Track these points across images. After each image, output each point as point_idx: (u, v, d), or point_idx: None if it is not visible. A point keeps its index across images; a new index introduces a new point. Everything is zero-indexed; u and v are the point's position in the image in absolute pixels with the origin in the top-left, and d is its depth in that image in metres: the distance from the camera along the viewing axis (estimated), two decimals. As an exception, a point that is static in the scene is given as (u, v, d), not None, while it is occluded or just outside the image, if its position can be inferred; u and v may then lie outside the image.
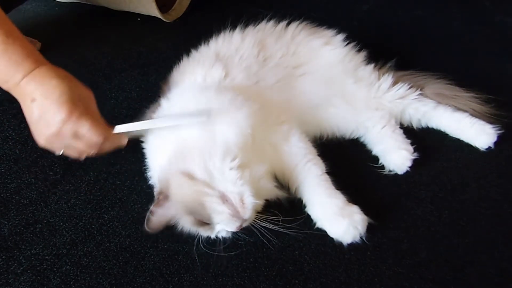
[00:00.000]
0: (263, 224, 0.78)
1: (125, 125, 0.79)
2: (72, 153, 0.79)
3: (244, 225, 0.76)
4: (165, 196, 0.78)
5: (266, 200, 0.81)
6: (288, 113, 0.91)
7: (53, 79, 0.72)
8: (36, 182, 0.93)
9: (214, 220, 0.75)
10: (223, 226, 0.76)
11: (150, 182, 0.87)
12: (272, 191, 0.83)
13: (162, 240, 0.81)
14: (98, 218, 0.86)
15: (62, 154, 0.78)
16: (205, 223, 0.76)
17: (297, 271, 0.77)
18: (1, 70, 0.70)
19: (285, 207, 0.83)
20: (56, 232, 0.83)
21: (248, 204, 0.74)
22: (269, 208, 0.81)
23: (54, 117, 0.70)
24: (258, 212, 0.79)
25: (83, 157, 0.80)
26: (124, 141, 0.81)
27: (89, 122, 0.73)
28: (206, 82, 0.89)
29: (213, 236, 0.78)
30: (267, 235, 0.81)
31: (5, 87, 0.73)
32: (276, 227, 0.79)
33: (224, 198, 0.74)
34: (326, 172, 0.85)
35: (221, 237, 0.79)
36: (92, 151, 0.78)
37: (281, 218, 0.80)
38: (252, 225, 0.78)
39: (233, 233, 0.79)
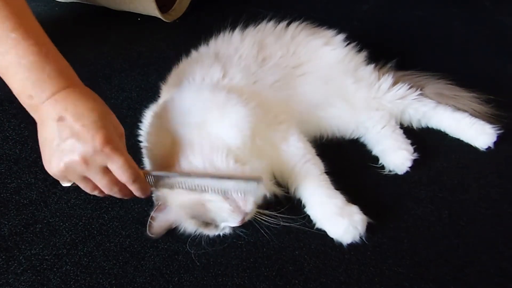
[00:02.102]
0: (264, 218, 0.78)
1: (158, 173, 0.72)
2: (87, 187, 0.68)
3: (247, 219, 0.77)
4: (163, 202, 0.78)
5: (265, 196, 0.81)
6: (287, 113, 0.91)
7: (89, 101, 0.64)
8: (36, 182, 0.93)
9: (217, 217, 0.75)
10: (227, 223, 0.76)
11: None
12: (270, 186, 0.83)
13: (162, 240, 0.81)
14: (98, 218, 0.86)
15: (70, 186, 0.69)
16: (208, 223, 0.77)
17: (297, 271, 0.77)
18: (28, 84, 0.62)
19: (285, 205, 0.83)
20: (56, 232, 0.83)
21: (250, 197, 0.75)
22: (269, 204, 0.82)
23: (84, 143, 0.61)
24: (259, 208, 0.79)
25: (96, 193, 0.70)
26: (149, 191, 0.72)
27: (123, 158, 0.64)
28: (204, 82, 0.89)
29: (217, 233, 0.79)
30: (267, 235, 0.81)
31: (26, 103, 0.64)
32: (276, 221, 0.79)
33: (225, 196, 0.74)
34: (325, 172, 0.85)
35: (222, 235, 0.80)
36: (113, 191, 0.68)
37: (281, 211, 0.81)
38: (253, 221, 0.79)
39: (234, 232, 0.79)
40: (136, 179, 0.67)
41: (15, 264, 0.78)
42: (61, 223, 0.85)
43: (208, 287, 0.75)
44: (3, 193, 0.90)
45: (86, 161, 0.62)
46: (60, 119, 0.62)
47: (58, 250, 0.80)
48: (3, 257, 0.79)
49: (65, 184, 0.69)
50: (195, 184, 0.71)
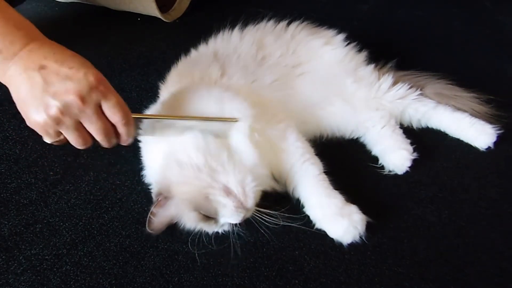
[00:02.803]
0: (263, 216, 0.78)
1: (146, 115, 0.72)
2: (77, 137, 0.64)
3: (246, 216, 0.77)
4: (166, 197, 0.78)
5: (264, 191, 0.82)
6: (286, 112, 0.91)
7: (65, 50, 0.62)
8: (36, 182, 0.93)
9: (219, 213, 0.76)
10: (228, 219, 0.77)
11: (145, 180, 0.88)
12: (268, 179, 0.84)
13: (162, 240, 0.81)
14: (98, 218, 0.86)
15: (55, 142, 0.65)
16: (209, 218, 0.77)
17: (297, 271, 0.77)
18: None
19: (285, 205, 0.83)
20: (56, 232, 0.83)
21: (249, 191, 0.75)
22: (268, 203, 0.82)
23: (78, 82, 0.59)
24: (258, 206, 0.79)
25: (88, 144, 0.66)
26: (133, 136, 0.70)
27: (117, 97, 0.63)
28: (203, 81, 0.89)
29: (217, 230, 0.79)
30: (267, 235, 0.81)
31: None
32: (276, 220, 0.80)
33: (227, 191, 0.75)
34: (325, 172, 0.85)
35: (222, 234, 0.80)
36: (104, 136, 0.65)
37: (282, 210, 0.81)
38: (253, 220, 0.79)
39: (234, 232, 0.79)
40: (128, 120, 0.65)
41: (15, 264, 0.78)
42: (61, 223, 0.85)
43: (208, 287, 0.75)
44: (3, 193, 0.90)
45: (82, 98, 0.60)
46: (42, 67, 0.59)
47: (58, 250, 0.80)
48: (3, 257, 0.79)
49: (50, 139, 0.65)
50: (180, 124, 0.75)
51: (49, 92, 0.59)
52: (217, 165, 0.76)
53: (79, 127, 0.63)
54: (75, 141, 0.65)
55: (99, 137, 0.65)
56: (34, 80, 0.59)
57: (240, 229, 0.80)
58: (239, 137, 0.79)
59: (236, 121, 0.79)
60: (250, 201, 0.76)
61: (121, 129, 0.66)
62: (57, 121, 0.61)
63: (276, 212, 0.80)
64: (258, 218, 0.79)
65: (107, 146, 0.68)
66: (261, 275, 0.76)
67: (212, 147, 0.78)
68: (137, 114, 0.71)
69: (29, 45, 0.60)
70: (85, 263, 0.78)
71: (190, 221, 0.78)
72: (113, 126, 0.66)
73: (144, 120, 0.72)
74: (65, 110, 0.60)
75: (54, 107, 0.59)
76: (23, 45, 0.60)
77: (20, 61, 0.60)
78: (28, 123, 0.62)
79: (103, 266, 0.78)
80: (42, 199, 0.89)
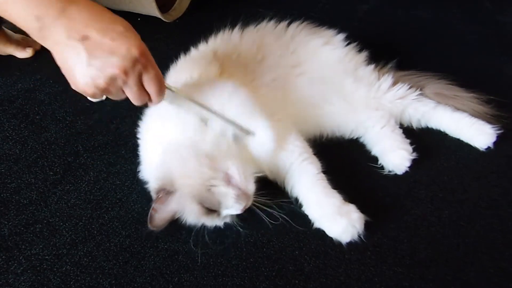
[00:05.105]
0: (262, 207, 0.79)
1: (176, 88, 0.76)
2: (117, 96, 0.69)
3: (248, 205, 0.77)
4: (167, 192, 0.78)
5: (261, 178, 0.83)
6: (285, 111, 0.91)
7: (104, 13, 0.63)
8: (36, 182, 0.93)
9: (221, 204, 0.76)
10: (230, 210, 0.77)
11: (141, 176, 0.87)
12: (265, 164, 0.85)
13: (162, 240, 0.81)
14: (98, 218, 0.86)
15: (100, 100, 0.70)
16: (211, 211, 0.77)
17: (297, 271, 0.77)
18: (32, 5, 0.58)
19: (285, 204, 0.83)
20: (56, 232, 0.83)
21: (249, 176, 0.77)
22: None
23: (122, 57, 0.61)
24: (257, 196, 0.80)
25: (122, 98, 0.70)
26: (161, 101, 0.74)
27: (156, 69, 0.67)
28: (201, 79, 0.89)
29: (219, 223, 0.79)
30: (267, 235, 0.81)
31: (36, 28, 0.59)
32: (276, 212, 0.81)
33: (227, 180, 0.76)
34: (324, 172, 0.85)
35: (221, 234, 0.80)
36: (139, 101, 0.70)
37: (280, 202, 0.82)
38: (254, 211, 0.79)
39: (233, 233, 0.79)
40: (161, 92, 0.70)
41: (15, 264, 0.78)
42: (61, 223, 0.85)
43: (208, 287, 0.75)
44: (3, 193, 0.90)
45: (126, 73, 0.63)
46: (84, 38, 0.60)
47: (58, 250, 0.80)
48: (3, 257, 0.79)
49: (95, 99, 0.70)
50: (203, 111, 0.78)
51: (95, 66, 0.61)
52: (217, 153, 0.77)
53: (122, 92, 0.68)
54: (115, 99, 0.70)
55: (134, 100, 0.70)
56: (78, 51, 0.60)
57: (240, 224, 0.80)
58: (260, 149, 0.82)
59: (253, 135, 0.81)
60: (250, 186, 0.77)
61: (154, 97, 0.71)
62: (103, 90, 0.65)
63: (271, 202, 0.80)
64: (257, 210, 0.79)
65: (138, 105, 0.72)
66: (261, 275, 0.76)
67: (211, 136, 0.79)
68: (170, 86, 0.75)
69: (67, 9, 0.60)
70: (85, 263, 0.78)
71: (192, 215, 0.78)
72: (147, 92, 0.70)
73: (169, 91, 0.75)
74: (110, 82, 0.63)
75: (100, 79, 0.62)
76: (61, 9, 0.59)
77: (61, 28, 0.60)
78: (73, 88, 0.66)
79: (103, 266, 0.78)
80: (42, 199, 0.89)
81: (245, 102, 0.83)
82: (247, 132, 0.81)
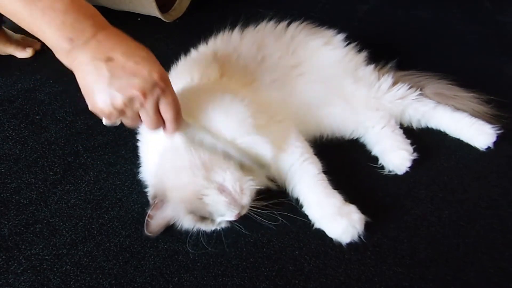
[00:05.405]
0: (259, 211, 0.79)
1: (195, 123, 0.76)
2: (130, 122, 0.70)
3: (242, 213, 0.77)
4: (162, 199, 0.78)
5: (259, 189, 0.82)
6: (285, 112, 0.91)
7: (130, 40, 0.66)
8: (36, 182, 0.93)
9: (214, 212, 0.76)
10: (223, 217, 0.77)
11: (141, 177, 0.88)
12: (265, 178, 0.85)
13: (162, 240, 0.81)
14: (98, 218, 0.86)
15: (114, 124, 0.70)
16: (205, 218, 0.77)
17: (297, 271, 0.77)
18: (66, 27, 0.61)
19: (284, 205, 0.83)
20: (56, 232, 0.83)
21: (246, 189, 0.76)
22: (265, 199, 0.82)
23: (143, 79, 0.63)
24: (254, 202, 0.79)
25: (137, 126, 0.73)
26: (178, 131, 0.74)
27: (174, 95, 0.68)
28: (201, 81, 0.89)
29: (214, 228, 0.79)
30: (267, 235, 0.81)
31: (65, 49, 0.62)
32: (272, 213, 0.80)
33: (221, 189, 0.75)
34: (324, 172, 0.85)
35: (222, 233, 0.80)
36: (154, 127, 0.70)
37: (280, 209, 0.81)
38: (252, 217, 0.79)
39: (233, 232, 0.79)
40: (177, 119, 0.70)
41: (15, 264, 0.78)
42: (61, 223, 0.85)
43: (208, 287, 0.75)
44: (3, 193, 0.90)
45: (145, 94, 0.64)
46: (109, 59, 0.62)
47: (58, 250, 0.80)
48: (3, 257, 0.79)
49: (109, 123, 0.70)
50: (214, 144, 0.77)
51: (115, 86, 0.63)
52: (213, 166, 0.76)
53: (137, 117, 0.69)
54: (130, 125, 0.71)
55: (149, 125, 0.70)
56: (101, 71, 0.62)
57: (237, 224, 0.80)
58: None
59: (264, 168, 0.82)
60: (246, 199, 0.76)
61: (169, 125, 0.71)
62: (120, 112, 0.66)
63: (266, 204, 0.80)
64: (255, 214, 0.79)
65: (152, 130, 0.72)
66: (261, 275, 0.76)
67: (208, 147, 0.78)
68: (188, 120, 0.75)
69: (98, 34, 0.63)
70: (85, 263, 0.78)
71: (187, 223, 0.79)
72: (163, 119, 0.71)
73: (189, 127, 0.75)
74: (128, 103, 0.65)
75: (119, 99, 0.63)
76: (92, 34, 0.62)
77: (89, 50, 0.62)
78: (91, 108, 0.67)
79: (103, 266, 0.78)
80: (42, 199, 0.89)
81: (242, 118, 0.81)
82: (259, 164, 0.80)
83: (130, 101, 0.64)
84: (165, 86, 0.66)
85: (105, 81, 0.62)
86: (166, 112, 0.68)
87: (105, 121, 0.69)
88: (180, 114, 0.71)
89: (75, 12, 0.61)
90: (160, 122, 0.70)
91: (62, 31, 0.61)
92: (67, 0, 0.61)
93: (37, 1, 0.60)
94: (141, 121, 0.69)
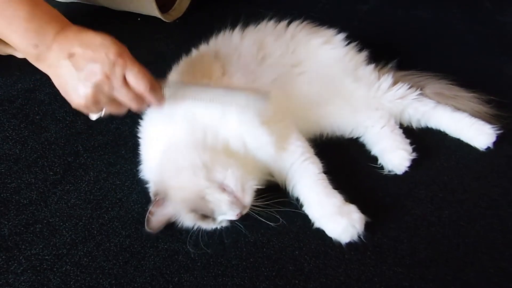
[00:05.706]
0: (261, 210, 0.79)
1: (173, 82, 0.75)
2: (114, 108, 0.73)
3: (244, 212, 0.77)
4: (163, 197, 0.78)
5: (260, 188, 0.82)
6: (286, 111, 0.91)
7: (88, 32, 0.68)
8: (36, 182, 0.93)
9: (216, 211, 0.76)
10: (224, 216, 0.77)
11: (141, 176, 0.88)
12: (266, 176, 0.86)
13: (162, 240, 0.81)
14: (98, 218, 0.86)
15: (101, 116, 0.73)
16: (206, 216, 0.77)
17: (297, 271, 0.77)
18: (31, 34, 0.65)
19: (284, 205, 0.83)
20: (56, 232, 0.83)
21: (248, 188, 0.76)
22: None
23: (101, 63, 0.66)
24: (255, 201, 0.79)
25: (123, 111, 0.74)
26: (163, 100, 0.75)
27: (137, 66, 0.69)
28: (203, 83, 0.89)
29: (215, 227, 0.79)
30: (267, 235, 0.81)
31: (33, 54, 0.67)
32: (274, 213, 0.81)
33: (222, 188, 0.75)
34: (324, 172, 0.85)
35: (222, 233, 0.80)
36: (135, 104, 0.72)
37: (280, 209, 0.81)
38: (253, 216, 0.79)
39: (233, 232, 0.79)
40: (151, 86, 0.71)
41: (15, 264, 0.78)
42: (61, 223, 0.85)
43: (208, 287, 0.75)
44: (3, 193, 0.90)
45: (108, 76, 0.66)
46: (70, 55, 0.65)
47: (58, 250, 0.80)
48: (3, 257, 0.79)
49: (94, 116, 0.73)
50: (206, 95, 0.76)
51: (81, 77, 0.66)
52: (214, 164, 0.76)
53: (114, 100, 0.70)
54: (115, 111, 0.73)
55: (131, 105, 0.72)
56: (67, 68, 0.66)
57: (238, 223, 0.80)
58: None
59: (267, 95, 0.78)
60: (248, 198, 0.76)
61: (147, 96, 0.72)
62: (95, 100, 0.68)
63: (267, 203, 0.80)
64: (255, 214, 0.79)
65: (138, 109, 0.74)
66: (261, 275, 0.76)
67: (210, 145, 0.78)
68: (163, 81, 0.75)
69: (58, 35, 0.67)
70: (85, 263, 0.78)
71: (188, 221, 0.79)
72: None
73: (168, 86, 0.75)
74: (97, 89, 0.67)
75: (88, 88, 0.66)
76: (53, 36, 0.66)
77: (53, 53, 0.66)
78: (73, 106, 0.70)
79: (103, 266, 0.78)
80: (42, 199, 0.89)
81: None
82: (262, 96, 0.76)
83: (97, 87, 0.66)
84: (124, 62, 0.67)
85: (73, 75, 0.66)
86: (137, 85, 0.69)
87: (91, 116, 0.72)
88: (155, 82, 0.72)
89: (37, 18, 0.66)
90: (138, 97, 0.71)
91: (27, 38, 0.66)
92: (29, 7, 0.65)
93: (3, 10, 0.64)
94: (122, 104, 0.71)
